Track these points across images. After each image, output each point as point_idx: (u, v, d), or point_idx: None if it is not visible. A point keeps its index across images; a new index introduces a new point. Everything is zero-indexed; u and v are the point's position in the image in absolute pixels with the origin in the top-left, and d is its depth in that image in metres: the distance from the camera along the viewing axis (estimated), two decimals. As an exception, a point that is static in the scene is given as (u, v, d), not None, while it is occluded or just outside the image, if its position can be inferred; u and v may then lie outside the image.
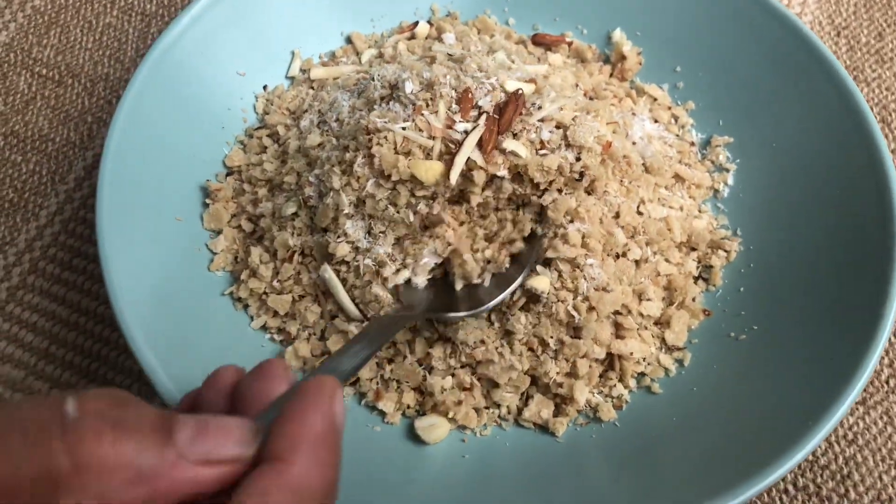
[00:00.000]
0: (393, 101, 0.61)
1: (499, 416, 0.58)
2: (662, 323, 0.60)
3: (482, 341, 0.56)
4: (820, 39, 0.79)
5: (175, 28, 0.65)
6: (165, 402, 0.51)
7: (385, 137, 0.55)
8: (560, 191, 0.57)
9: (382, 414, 0.57)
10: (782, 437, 0.50)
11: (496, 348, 0.56)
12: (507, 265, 0.58)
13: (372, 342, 0.48)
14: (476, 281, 0.58)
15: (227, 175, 0.66)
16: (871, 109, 0.74)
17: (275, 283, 0.59)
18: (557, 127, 0.57)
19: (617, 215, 0.60)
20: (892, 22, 0.83)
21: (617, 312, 0.58)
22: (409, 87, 0.60)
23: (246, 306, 0.60)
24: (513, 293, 0.57)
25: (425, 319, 0.57)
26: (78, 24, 0.82)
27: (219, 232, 0.63)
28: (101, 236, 0.55)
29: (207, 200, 0.64)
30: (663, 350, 0.60)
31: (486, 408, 0.58)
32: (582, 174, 0.56)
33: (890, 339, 0.64)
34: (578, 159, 0.56)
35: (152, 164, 0.61)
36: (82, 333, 0.64)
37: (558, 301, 0.56)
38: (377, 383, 0.58)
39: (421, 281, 0.58)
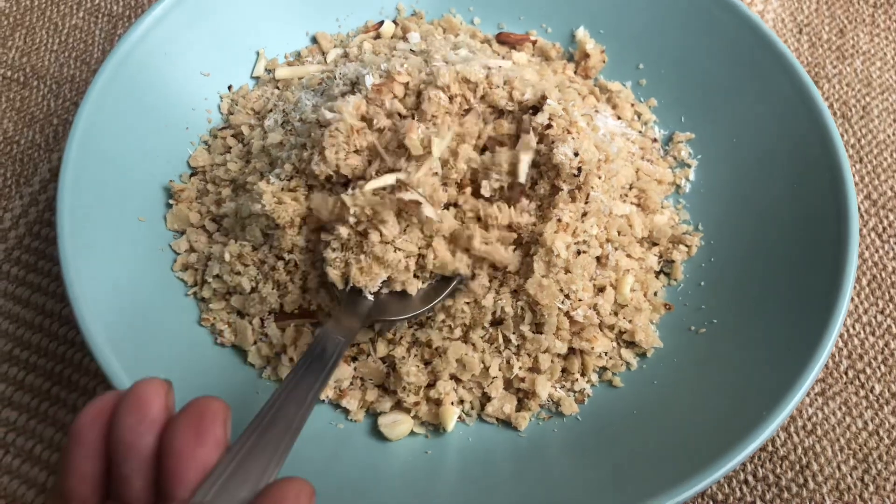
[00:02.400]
0: (353, 95, 0.61)
1: (462, 412, 0.58)
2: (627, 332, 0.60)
3: (444, 338, 0.57)
4: (781, 37, 0.80)
5: (138, 28, 0.65)
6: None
7: (337, 129, 0.56)
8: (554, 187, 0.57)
9: (346, 411, 0.58)
10: (739, 427, 0.51)
11: (458, 341, 0.57)
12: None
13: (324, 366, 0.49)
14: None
15: (192, 175, 0.66)
16: (832, 105, 0.76)
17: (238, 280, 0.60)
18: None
19: (584, 214, 0.60)
20: (853, 19, 0.84)
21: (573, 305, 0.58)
22: (370, 80, 0.61)
23: (209, 307, 0.60)
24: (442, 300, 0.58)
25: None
26: (44, 26, 0.82)
27: (182, 232, 0.63)
28: (62, 237, 0.55)
29: (171, 201, 0.64)
30: (624, 344, 0.60)
31: (451, 403, 0.58)
32: (580, 169, 0.56)
33: (848, 330, 0.65)
34: (577, 154, 0.56)
35: (115, 165, 0.61)
36: (46, 335, 0.64)
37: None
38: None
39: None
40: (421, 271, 0.57)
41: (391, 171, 0.56)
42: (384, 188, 0.55)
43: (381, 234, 0.55)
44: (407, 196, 0.54)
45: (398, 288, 0.57)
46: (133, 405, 0.35)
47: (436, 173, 0.57)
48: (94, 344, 0.52)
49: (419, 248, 0.56)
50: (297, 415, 0.43)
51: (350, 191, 0.56)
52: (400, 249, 0.56)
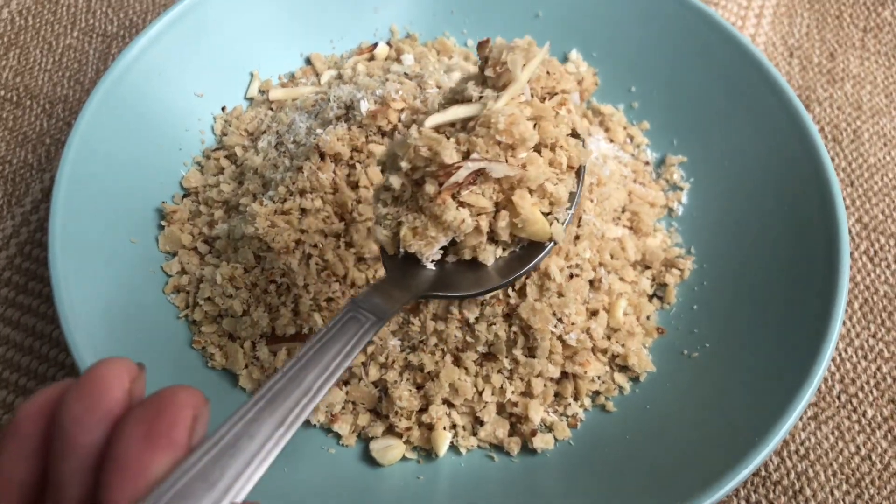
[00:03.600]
0: (348, 120, 0.61)
1: (454, 437, 0.58)
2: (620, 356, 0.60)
3: (436, 362, 0.57)
4: (772, 60, 0.81)
5: (133, 49, 0.65)
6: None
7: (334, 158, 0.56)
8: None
9: (337, 436, 0.57)
10: (731, 452, 0.51)
11: (450, 365, 0.57)
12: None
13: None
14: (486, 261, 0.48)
15: (184, 196, 0.66)
16: (823, 129, 0.76)
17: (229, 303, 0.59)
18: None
19: (577, 237, 0.60)
20: (843, 43, 0.85)
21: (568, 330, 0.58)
22: (364, 105, 0.61)
23: (200, 330, 0.60)
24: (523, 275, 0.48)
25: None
26: (38, 46, 0.82)
27: (174, 254, 0.63)
28: (53, 259, 0.55)
29: (163, 222, 0.63)
30: (617, 368, 0.60)
31: (443, 428, 0.58)
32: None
33: (840, 354, 0.65)
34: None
35: (108, 186, 0.61)
36: (36, 358, 0.63)
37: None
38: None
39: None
40: (498, 234, 0.46)
41: (463, 101, 0.46)
42: (452, 124, 0.45)
43: (439, 185, 0.43)
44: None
45: (467, 256, 0.47)
46: (85, 390, 0.28)
47: (525, 103, 0.45)
48: (84, 367, 0.52)
49: (496, 202, 0.45)
50: (299, 403, 0.34)
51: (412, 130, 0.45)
52: (467, 205, 0.44)
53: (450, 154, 0.43)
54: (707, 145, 0.70)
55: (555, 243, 0.47)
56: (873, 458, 0.61)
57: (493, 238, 0.46)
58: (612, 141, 0.71)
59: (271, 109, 0.71)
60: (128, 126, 0.64)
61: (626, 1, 0.73)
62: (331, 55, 0.76)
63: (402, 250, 0.45)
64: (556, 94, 0.48)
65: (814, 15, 0.87)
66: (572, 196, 0.48)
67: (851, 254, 0.70)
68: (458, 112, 0.45)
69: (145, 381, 0.31)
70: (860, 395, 0.64)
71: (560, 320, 0.58)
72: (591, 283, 0.61)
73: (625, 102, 0.74)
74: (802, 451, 0.61)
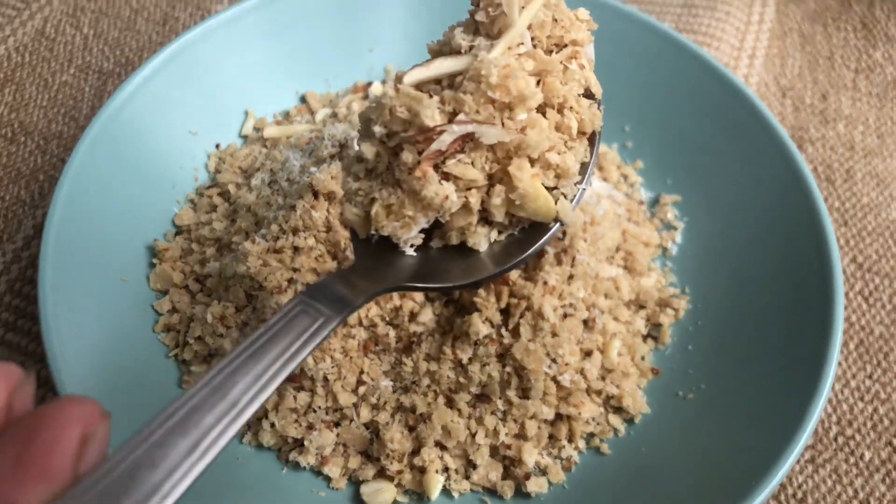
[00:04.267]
0: (342, 159, 0.61)
1: (447, 480, 0.57)
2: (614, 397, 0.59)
3: (429, 403, 0.56)
4: (765, 100, 0.81)
5: (128, 86, 0.65)
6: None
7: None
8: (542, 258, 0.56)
9: (328, 479, 0.56)
10: (728, 496, 0.50)
11: (443, 406, 0.56)
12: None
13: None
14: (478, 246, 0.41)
15: (176, 234, 0.66)
16: (816, 169, 0.77)
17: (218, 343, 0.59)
18: None
19: (571, 276, 0.60)
20: (834, 84, 0.85)
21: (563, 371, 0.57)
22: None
23: (190, 370, 0.59)
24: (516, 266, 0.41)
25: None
26: (34, 83, 0.82)
27: (165, 292, 0.62)
28: (43, 298, 0.54)
29: (155, 260, 0.63)
30: (612, 410, 0.60)
31: (435, 471, 0.57)
32: (565, 232, 0.56)
33: (837, 395, 0.65)
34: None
35: (100, 223, 0.61)
36: (23, 396, 0.62)
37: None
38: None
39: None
40: (492, 212, 0.38)
41: (450, 53, 0.39)
42: (438, 81, 0.38)
43: (419, 153, 0.35)
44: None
45: (455, 240, 0.40)
46: None
47: (526, 55, 0.38)
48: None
49: (489, 174, 0.38)
50: (220, 422, 0.28)
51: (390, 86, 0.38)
52: (453, 177, 0.37)
53: (431, 115, 0.35)
54: (701, 185, 0.70)
55: (561, 224, 0.39)
56: (872, 502, 0.60)
57: (486, 218, 0.39)
58: (605, 180, 0.71)
59: (265, 147, 0.71)
60: (121, 163, 0.64)
61: (620, 42, 0.74)
62: (326, 93, 0.76)
63: (375, 233, 0.38)
64: (565, 45, 0.41)
65: (806, 56, 0.88)
66: (584, 168, 0.40)
67: (846, 294, 0.70)
68: (443, 66, 0.38)
69: (33, 390, 0.26)
70: (857, 437, 0.63)
71: (554, 361, 0.57)
72: (586, 322, 0.60)
73: (619, 142, 0.74)
74: (800, 494, 0.60)
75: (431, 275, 0.38)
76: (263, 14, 0.72)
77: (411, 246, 0.39)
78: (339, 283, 0.35)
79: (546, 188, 0.38)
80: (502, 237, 0.40)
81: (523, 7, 0.38)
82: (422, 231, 0.38)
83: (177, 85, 0.68)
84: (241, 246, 0.59)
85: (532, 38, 0.39)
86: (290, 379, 0.58)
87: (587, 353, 0.59)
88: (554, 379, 0.57)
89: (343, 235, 0.58)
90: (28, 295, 0.67)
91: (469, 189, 0.37)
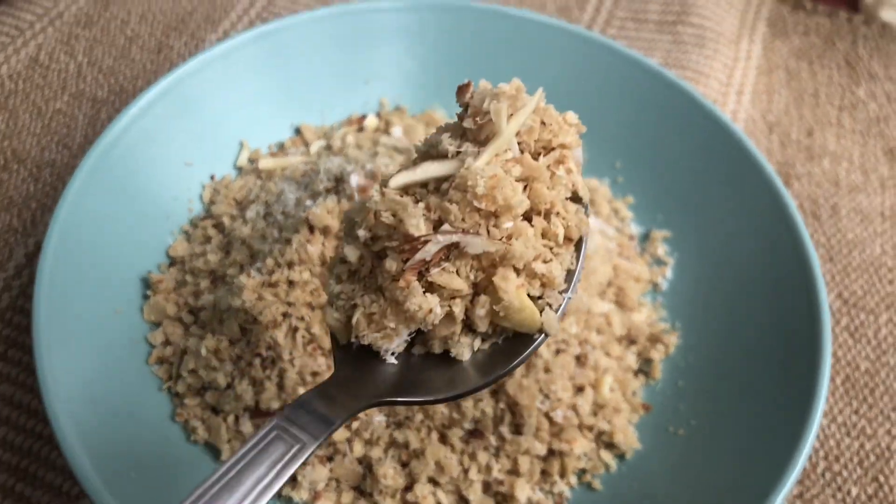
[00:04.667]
0: (338, 193, 0.62)
1: (439, 515, 0.57)
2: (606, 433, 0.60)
3: (422, 439, 0.56)
4: (752, 136, 0.83)
5: (124, 117, 0.65)
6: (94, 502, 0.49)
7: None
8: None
9: (320, 514, 0.56)
10: (719, 536, 0.51)
11: (436, 442, 0.56)
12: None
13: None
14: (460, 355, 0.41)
15: (170, 266, 0.66)
16: (802, 205, 0.78)
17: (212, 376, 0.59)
18: None
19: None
20: (819, 120, 0.87)
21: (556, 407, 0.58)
22: (355, 180, 0.62)
23: (183, 402, 0.59)
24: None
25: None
26: (27, 110, 0.82)
27: (159, 324, 0.62)
28: (37, 327, 0.54)
29: (148, 292, 0.63)
30: (603, 445, 0.60)
31: (427, 505, 0.57)
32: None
33: (824, 430, 0.65)
34: None
35: (94, 254, 0.61)
36: (13, 428, 0.62)
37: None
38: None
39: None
40: (476, 323, 0.38)
41: (437, 156, 0.39)
42: (424, 185, 0.38)
43: (403, 261, 0.35)
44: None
45: (437, 349, 0.40)
46: None
47: (513, 161, 0.38)
48: (63, 439, 0.51)
49: (474, 282, 0.38)
50: None
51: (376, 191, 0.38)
52: (437, 286, 0.37)
53: (416, 223, 0.36)
54: (691, 221, 0.71)
55: (546, 336, 0.39)
56: (859, 538, 0.61)
57: (469, 326, 0.39)
58: (597, 214, 0.72)
59: (260, 178, 0.72)
60: (116, 194, 0.64)
61: (611, 78, 0.75)
62: (320, 126, 0.77)
63: (356, 339, 0.38)
64: (552, 149, 0.41)
65: (791, 93, 0.89)
66: (570, 275, 0.40)
67: (832, 329, 0.71)
68: (429, 170, 0.38)
69: None
70: (844, 473, 0.64)
71: (547, 396, 0.58)
72: (578, 358, 0.61)
73: (609, 177, 0.75)
74: (789, 530, 0.61)
75: (413, 386, 0.38)
76: (258, 47, 0.73)
77: (392, 354, 0.39)
78: (319, 400, 0.35)
79: (531, 297, 0.38)
80: (486, 346, 0.40)
81: (511, 115, 0.39)
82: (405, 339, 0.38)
83: (172, 116, 0.69)
84: (235, 279, 0.59)
85: (519, 143, 0.39)
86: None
87: (579, 389, 0.60)
88: (546, 415, 0.57)
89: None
90: (19, 324, 0.67)
91: (453, 298, 0.37)
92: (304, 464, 0.55)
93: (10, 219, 0.74)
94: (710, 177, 0.71)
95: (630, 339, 0.65)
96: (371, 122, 0.76)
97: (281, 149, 0.75)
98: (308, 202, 0.63)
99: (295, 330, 0.58)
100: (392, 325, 0.37)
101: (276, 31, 0.73)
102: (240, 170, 0.73)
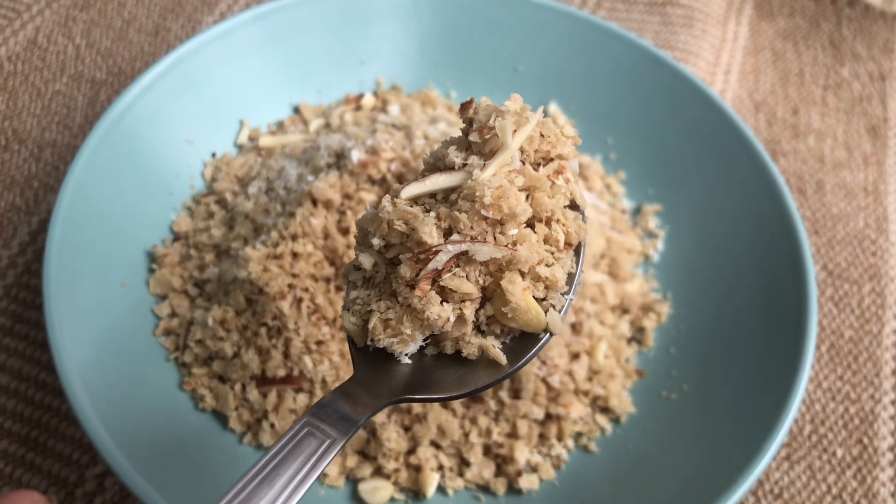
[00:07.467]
0: (339, 168, 0.63)
1: (441, 478, 0.59)
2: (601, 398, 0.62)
3: (424, 405, 0.58)
4: (739, 114, 0.85)
5: (126, 96, 0.66)
6: (111, 467, 0.51)
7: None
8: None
9: (325, 477, 0.58)
10: (709, 492, 0.53)
11: (438, 407, 0.58)
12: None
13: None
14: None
15: (174, 241, 0.67)
16: (789, 180, 0.80)
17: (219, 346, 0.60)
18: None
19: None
20: (804, 99, 0.89)
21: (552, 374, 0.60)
22: (356, 155, 0.63)
23: (191, 372, 0.60)
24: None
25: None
26: (27, 91, 0.83)
27: (164, 297, 0.64)
28: (48, 302, 0.56)
29: (154, 266, 0.64)
30: (599, 410, 0.62)
31: (430, 469, 0.59)
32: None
33: (810, 395, 0.68)
34: None
35: (100, 230, 0.62)
36: (23, 401, 0.63)
37: None
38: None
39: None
40: (487, 325, 0.41)
41: (445, 168, 0.42)
42: (432, 195, 0.41)
43: (417, 269, 0.37)
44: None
45: (450, 350, 0.42)
46: None
47: (515, 172, 0.41)
48: (79, 409, 0.52)
49: (482, 286, 0.41)
50: None
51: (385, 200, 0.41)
52: (448, 290, 0.40)
53: (429, 232, 0.38)
54: (681, 195, 0.73)
55: (551, 335, 0.41)
56: (844, 496, 0.63)
57: (479, 327, 0.41)
58: (590, 189, 0.74)
59: (260, 156, 0.73)
60: (120, 171, 0.65)
61: (602, 57, 0.77)
62: (318, 104, 0.78)
63: (371, 342, 0.40)
64: (551, 159, 0.44)
65: (777, 73, 0.92)
66: (571, 278, 0.43)
67: (818, 299, 0.73)
68: (438, 181, 0.41)
69: None
70: (830, 435, 0.66)
71: (544, 363, 0.60)
72: (573, 326, 0.63)
73: (602, 153, 0.77)
74: (777, 490, 0.63)
75: (428, 384, 0.41)
76: (257, 27, 0.74)
77: (406, 355, 0.41)
78: (343, 400, 0.38)
79: (536, 299, 0.41)
80: (497, 345, 0.43)
81: (515, 130, 0.42)
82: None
83: (174, 95, 0.70)
84: (241, 252, 0.61)
85: (521, 154, 0.42)
86: (290, 381, 0.59)
87: (575, 356, 0.62)
88: (544, 380, 0.59)
89: (340, 242, 0.60)
90: (25, 300, 0.68)
91: (463, 302, 0.40)
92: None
93: (13, 198, 0.75)
94: (700, 152, 0.73)
95: (623, 309, 0.67)
96: (368, 100, 0.77)
97: (280, 127, 0.76)
98: (310, 177, 0.64)
99: (300, 301, 0.59)
100: (408, 331, 0.40)
101: (274, 10, 0.74)
102: (240, 148, 0.74)
